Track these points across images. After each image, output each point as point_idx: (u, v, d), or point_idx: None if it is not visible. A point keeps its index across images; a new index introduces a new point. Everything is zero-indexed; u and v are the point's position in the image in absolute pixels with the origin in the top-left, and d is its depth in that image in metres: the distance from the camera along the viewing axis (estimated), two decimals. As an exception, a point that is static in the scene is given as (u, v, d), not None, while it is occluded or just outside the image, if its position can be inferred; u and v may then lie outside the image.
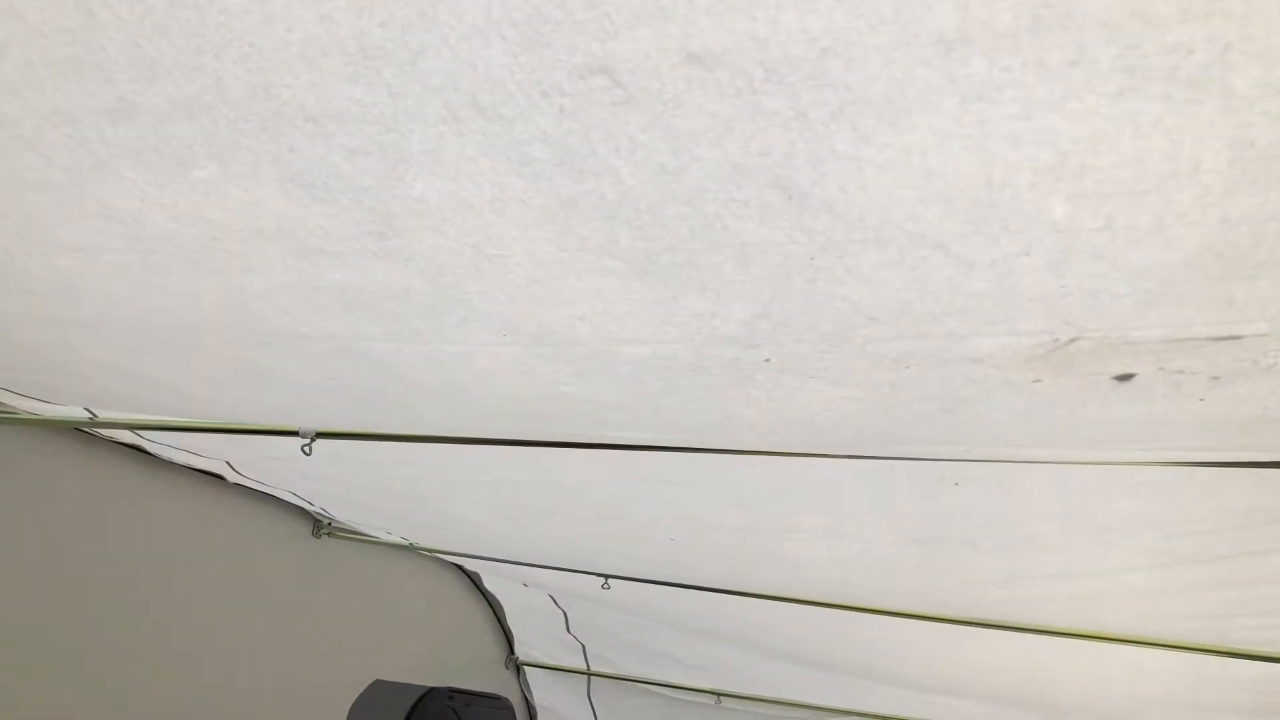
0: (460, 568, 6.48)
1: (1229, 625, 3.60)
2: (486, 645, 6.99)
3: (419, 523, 5.04)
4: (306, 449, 3.16)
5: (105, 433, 3.91)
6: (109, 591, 4.13)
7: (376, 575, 5.82)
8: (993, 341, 1.78)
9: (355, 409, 2.89)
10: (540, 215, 1.59)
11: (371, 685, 5.56)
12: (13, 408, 3.52)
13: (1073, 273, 1.54)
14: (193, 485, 4.46)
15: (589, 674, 7.21)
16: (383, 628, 5.89)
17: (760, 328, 1.85)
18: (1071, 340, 1.73)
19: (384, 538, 5.46)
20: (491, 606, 6.90)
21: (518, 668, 7.22)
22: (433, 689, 6.13)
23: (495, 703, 6.92)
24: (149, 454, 4.16)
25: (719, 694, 7.00)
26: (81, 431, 3.89)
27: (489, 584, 6.67)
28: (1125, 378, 1.84)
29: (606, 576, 4.82)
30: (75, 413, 3.54)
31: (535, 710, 7.39)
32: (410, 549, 5.72)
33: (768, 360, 2.00)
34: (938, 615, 4.18)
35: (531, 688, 7.34)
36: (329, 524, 5.23)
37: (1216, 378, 1.81)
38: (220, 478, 4.49)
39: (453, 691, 6.32)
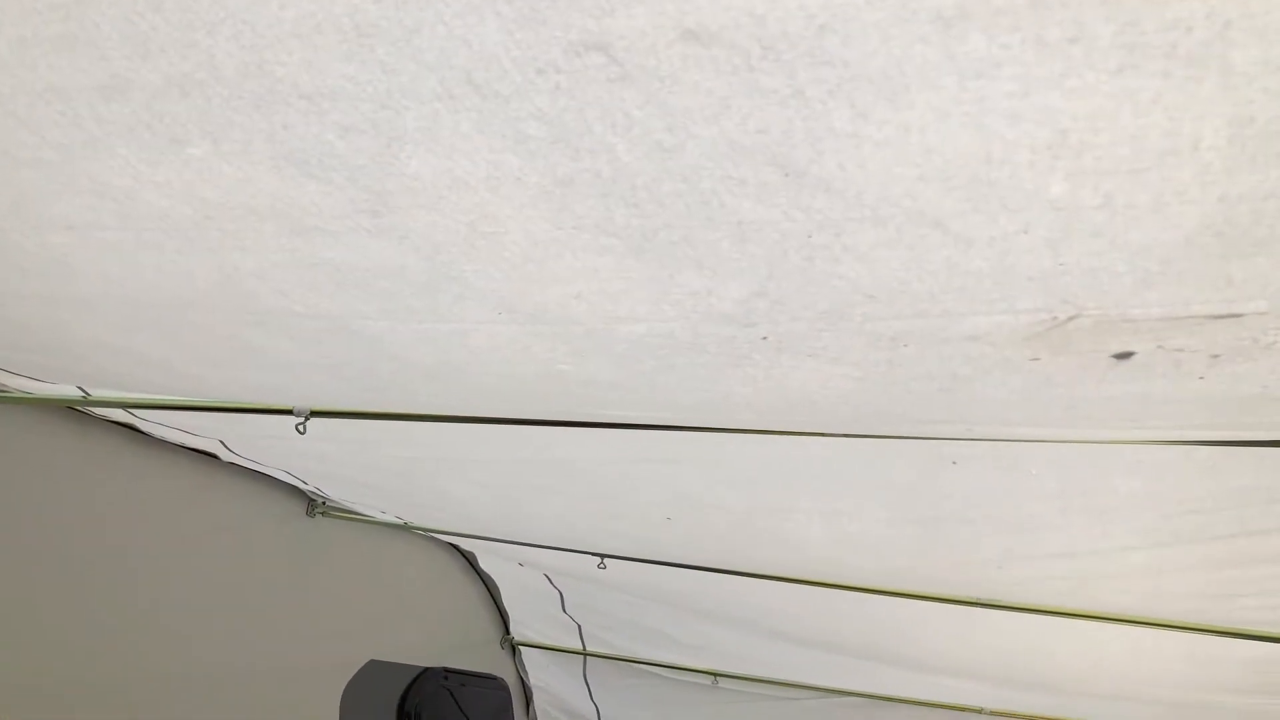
0: (456, 547, 6.48)
1: (1229, 605, 3.61)
2: (482, 625, 6.99)
3: (414, 502, 5.04)
4: (301, 428, 3.15)
5: (98, 411, 3.90)
6: (102, 570, 4.13)
7: (371, 555, 5.81)
8: (991, 320, 1.78)
9: (349, 387, 2.88)
10: (536, 193, 1.59)
11: (366, 665, 5.57)
12: (5, 386, 3.51)
13: (1071, 251, 1.53)
14: (186, 464, 4.45)
15: (585, 654, 7.21)
16: (377, 607, 5.89)
17: (757, 306, 1.84)
18: (1070, 318, 1.72)
19: (379, 517, 5.45)
20: (487, 586, 6.90)
21: (513, 648, 7.22)
22: (427, 669, 6.14)
23: (491, 683, 6.94)
24: (142, 433, 4.14)
25: (716, 674, 7.00)
26: (75, 410, 3.88)
27: (484, 564, 6.66)
28: (1124, 356, 1.84)
29: (603, 556, 4.82)
30: (68, 391, 3.53)
31: (531, 690, 7.39)
32: (405, 528, 5.72)
33: (765, 338, 1.99)
34: (936, 595, 4.18)
35: (527, 668, 7.34)
36: (323, 503, 5.23)
37: (1216, 356, 1.80)
38: (214, 457, 4.48)
39: (448, 671, 6.33)
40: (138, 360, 2.88)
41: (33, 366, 3.28)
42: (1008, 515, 3.29)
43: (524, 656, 7.30)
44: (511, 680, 7.16)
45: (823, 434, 2.72)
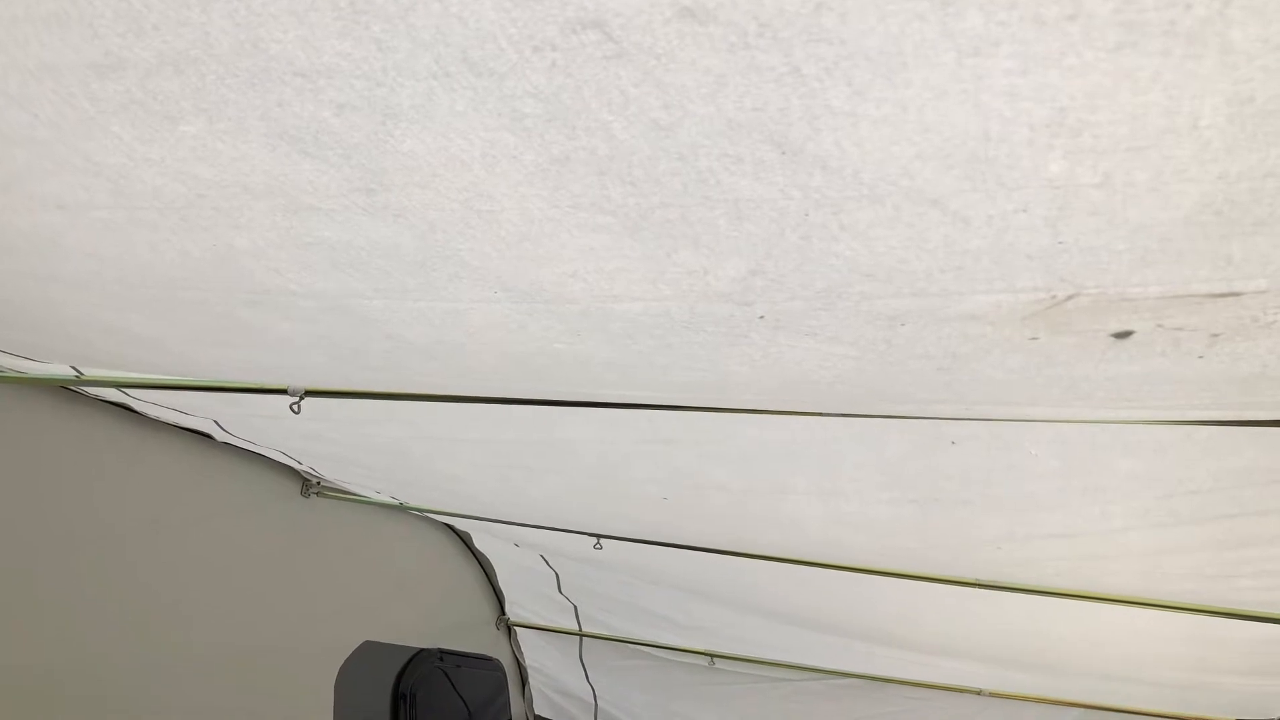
0: (451, 528, 6.48)
1: (1229, 586, 3.61)
2: (477, 606, 7.00)
3: (409, 482, 5.04)
4: (295, 407, 3.15)
5: (92, 391, 3.90)
6: (96, 550, 4.13)
7: (366, 535, 5.81)
8: (989, 299, 1.77)
9: (344, 367, 2.88)
10: (532, 171, 1.58)
11: (361, 646, 5.57)
12: None
13: (1070, 229, 1.52)
14: (181, 444, 4.45)
15: (581, 635, 7.22)
16: (372, 588, 5.89)
17: (754, 284, 1.84)
18: (1069, 297, 1.72)
19: (374, 497, 5.45)
20: (482, 567, 6.91)
21: (509, 628, 7.23)
22: (422, 650, 6.15)
23: (486, 664, 6.95)
24: (136, 413, 4.14)
25: (713, 655, 7.02)
26: (68, 390, 3.88)
27: (480, 544, 6.67)
28: (1123, 335, 1.83)
29: (599, 537, 4.82)
30: (61, 371, 3.52)
31: (526, 671, 7.41)
32: (400, 508, 5.72)
33: (762, 317, 1.99)
34: (935, 576, 4.18)
35: (523, 649, 7.35)
36: (318, 483, 5.22)
37: (1216, 335, 1.80)
38: (208, 436, 4.48)
39: (443, 653, 6.33)
40: (131, 339, 2.88)
41: (25, 346, 3.27)
42: (1006, 495, 3.29)
43: (520, 637, 7.31)
44: (507, 661, 7.17)
45: (820, 414, 2.72)
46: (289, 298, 2.26)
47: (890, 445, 3.05)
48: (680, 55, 1.31)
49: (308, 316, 2.39)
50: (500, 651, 7.18)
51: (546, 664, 7.41)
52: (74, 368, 3.49)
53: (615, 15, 1.27)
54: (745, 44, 1.27)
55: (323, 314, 2.36)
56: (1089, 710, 6.47)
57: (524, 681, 7.43)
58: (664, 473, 3.74)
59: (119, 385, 3.63)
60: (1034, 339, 1.91)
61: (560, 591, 6.85)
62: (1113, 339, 1.87)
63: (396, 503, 5.56)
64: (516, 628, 7.26)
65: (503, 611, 7.18)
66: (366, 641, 5.62)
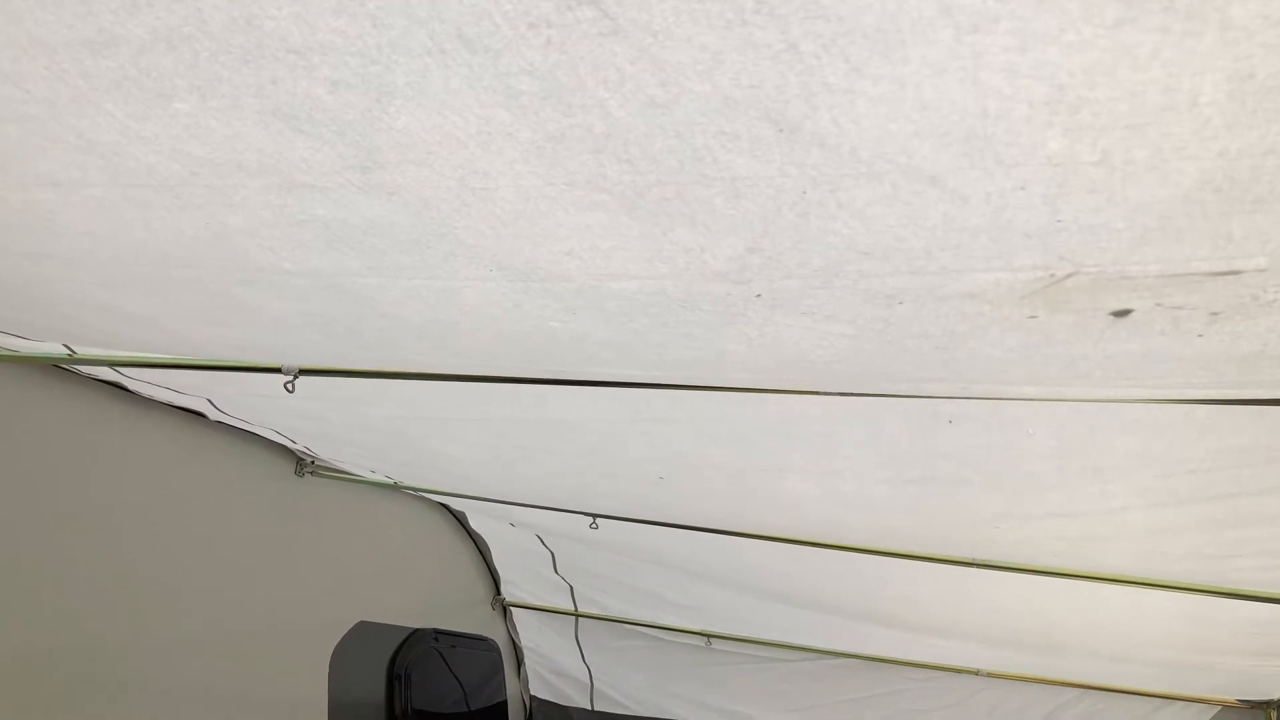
0: (446, 507, 6.48)
1: (1227, 565, 3.61)
2: (473, 586, 7.00)
3: (404, 461, 5.04)
4: (289, 386, 3.14)
5: (85, 370, 3.89)
6: (89, 530, 4.12)
7: (361, 514, 5.81)
8: (988, 277, 1.76)
9: (339, 345, 2.87)
10: (527, 149, 1.57)
11: (355, 626, 5.58)
12: (-8, 343, 3.50)
13: (1069, 207, 1.52)
14: (174, 423, 4.44)
15: (576, 615, 7.23)
16: (367, 567, 5.90)
17: (751, 263, 1.83)
18: (1068, 275, 1.71)
19: (368, 476, 5.45)
20: (478, 546, 6.91)
21: (504, 608, 7.24)
22: (417, 630, 6.15)
23: (481, 644, 6.95)
24: (129, 391, 4.13)
25: (709, 635, 7.03)
26: (60, 369, 3.87)
27: (475, 524, 6.67)
28: (1122, 313, 1.83)
29: (595, 516, 4.82)
30: (54, 349, 3.51)
31: (522, 652, 7.42)
32: (395, 488, 5.71)
33: (759, 296, 1.98)
34: (932, 555, 4.18)
35: (518, 629, 7.36)
36: (312, 462, 5.22)
37: (1215, 313, 1.79)
38: (202, 416, 4.47)
39: (438, 633, 6.34)
40: (124, 318, 2.87)
41: (17, 324, 3.26)
42: (1004, 475, 3.29)
43: (515, 618, 7.32)
44: (502, 641, 7.18)
45: (817, 393, 2.71)
46: (283, 276, 2.25)
47: (888, 425, 3.04)
48: (677, 32, 1.31)
49: (301, 294, 2.38)
50: (496, 632, 7.18)
51: (542, 644, 7.41)
52: (67, 346, 3.48)
53: (611, -10, 1.27)
54: (742, 20, 1.27)
55: (317, 292, 2.35)
56: (1086, 690, 6.49)
57: (519, 662, 7.44)
58: (660, 452, 3.74)
59: (112, 364, 3.63)
60: (1033, 318, 1.90)
61: (556, 571, 6.85)
62: (1112, 318, 1.86)
63: (391, 482, 5.56)
64: (512, 608, 7.26)
65: (498, 591, 7.18)
66: (361, 622, 5.63)
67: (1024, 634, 5.66)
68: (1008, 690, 6.64)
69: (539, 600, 7.22)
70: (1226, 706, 6.29)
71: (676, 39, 1.32)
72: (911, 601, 5.31)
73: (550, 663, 7.47)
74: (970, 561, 4.09)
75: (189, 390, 4.04)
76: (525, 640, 7.40)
